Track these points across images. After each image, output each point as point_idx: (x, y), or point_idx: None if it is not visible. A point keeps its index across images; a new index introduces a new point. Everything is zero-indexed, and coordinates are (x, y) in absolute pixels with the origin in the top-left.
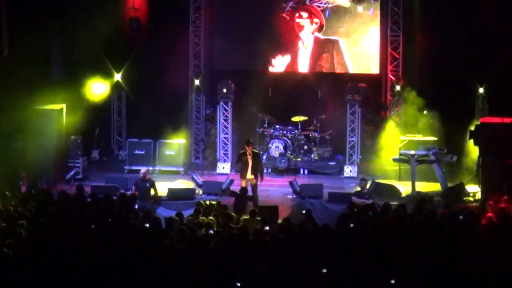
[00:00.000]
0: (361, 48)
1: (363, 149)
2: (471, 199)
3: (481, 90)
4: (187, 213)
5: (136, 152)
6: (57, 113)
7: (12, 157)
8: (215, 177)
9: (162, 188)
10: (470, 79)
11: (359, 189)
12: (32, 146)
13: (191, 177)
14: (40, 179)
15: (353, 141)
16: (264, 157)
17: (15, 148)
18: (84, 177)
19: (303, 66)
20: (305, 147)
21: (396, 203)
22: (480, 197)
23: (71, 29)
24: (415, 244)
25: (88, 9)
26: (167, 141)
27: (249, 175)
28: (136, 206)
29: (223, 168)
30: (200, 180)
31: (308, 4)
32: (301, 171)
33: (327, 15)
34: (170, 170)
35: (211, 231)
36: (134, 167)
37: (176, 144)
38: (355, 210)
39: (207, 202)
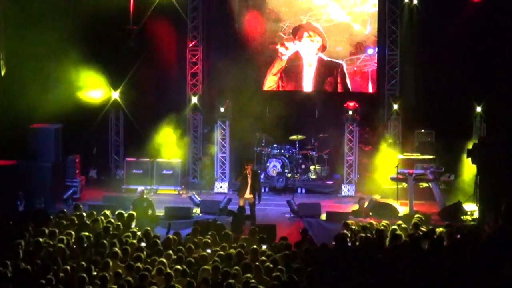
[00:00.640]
0: (358, 67)
1: (360, 168)
2: (469, 217)
3: (478, 109)
4: (184, 232)
5: (134, 171)
6: (54, 131)
7: (9, 175)
8: (213, 196)
9: (159, 207)
10: (467, 98)
11: (356, 208)
12: (30, 165)
13: (189, 197)
14: (38, 198)
15: (350, 160)
16: (262, 176)
17: (13, 167)
18: (81, 196)
19: (308, 85)
20: (303, 166)
21: (394, 222)
22: (478, 216)
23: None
24: (413, 263)
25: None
26: (164, 160)
27: (248, 194)
28: (134, 225)
29: (221, 187)
30: (197, 199)
31: (305, 23)
32: (299, 190)
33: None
34: (167, 190)
35: (209, 251)
36: (131, 187)
37: (174, 163)
38: (353, 228)
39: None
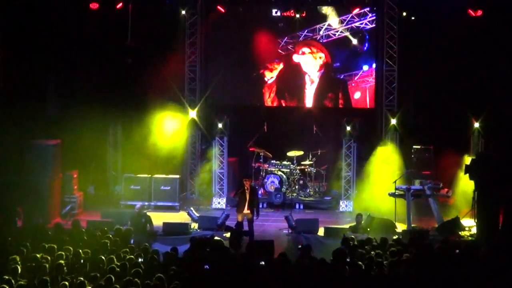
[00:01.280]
0: (356, 83)
1: (358, 184)
2: (467, 233)
3: (476, 125)
4: (182, 248)
5: (132, 187)
6: (53, 147)
7: (7, 191)
8: (211, 212)
9: (157, 222)
10: (465, 114)
11: (354, 224)
12: (28, 180)
13: (187, 212)
14: (36, 214)
15: (348, 176)
16: (260, 192)
17: (11, 183)
18: (79, 212)
19: (309, 101)
20: (301, 182)
21: (392, 237)
22: (476, 231)
23: (66, 64)
24: (412, 278)
25: (82, 47)
26: (162, 176)
27: (246, 210)
28: (132, 241)
29: (219, 203)
30: (195, 215)
31: (303, 39)
32: (297, 206)
33: None
34: (165, 205)
35: (207, 267)
36: (130, 202)
37: (172, 179)
38: (351, 244)
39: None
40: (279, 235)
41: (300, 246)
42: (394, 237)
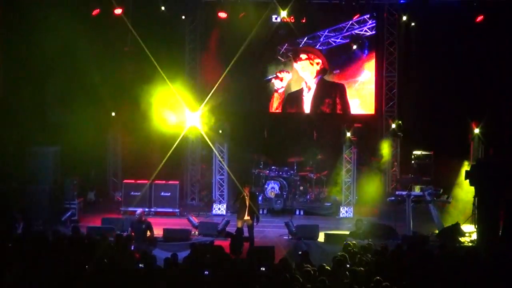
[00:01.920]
0: (357, 89)
1: (359, 190)
2: (467, 239)
3: (476, 131)
4: (182, 254)
5: (132, 193)
6: (53, 154)
7: (8, 198)
8: (211, 218)
9: (158, 228)
10: (466, 119)
11: (355, 230)
12: (28, 187)
13: (187, 218)
14: (36, 220)
15: (349, 181)
16: (260, 198)
17: (11, 189)
18: (80, 218)
19: (307, 107)
20: (301, 188)
21: (392, 243)
22: (476, 237)
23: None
24: (412, 284)
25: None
26: (162, 182)
27: (246, 216)
28: (132, 248)
29: (219, 209)
30: (196, 221)
31: (303, 46)
32: (297, 212)
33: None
34: (166, 212)
35: (207, 273)
36: (130, 209)
37: (172, 185)
38: (352, 250)
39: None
40: (279, 241)
41: (300, 252)
42: (395, 243)
